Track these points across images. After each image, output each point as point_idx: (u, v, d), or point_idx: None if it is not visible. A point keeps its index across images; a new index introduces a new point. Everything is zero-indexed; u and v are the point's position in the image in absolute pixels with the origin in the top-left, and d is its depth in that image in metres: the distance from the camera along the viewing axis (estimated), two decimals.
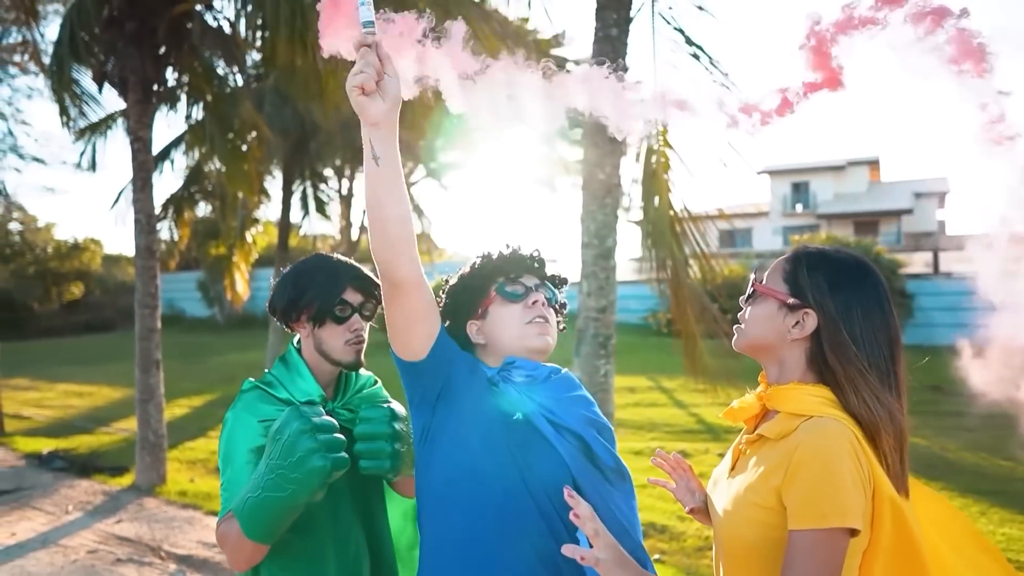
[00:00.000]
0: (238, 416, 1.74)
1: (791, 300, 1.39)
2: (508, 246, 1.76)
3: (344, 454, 1.57)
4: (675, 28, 4.77)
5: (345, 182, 21.33)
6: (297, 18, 5.06)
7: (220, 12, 7.27)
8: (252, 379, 1.85)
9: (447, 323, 1.70)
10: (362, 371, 1.95)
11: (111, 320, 26.08)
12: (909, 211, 32.74)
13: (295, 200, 13.99)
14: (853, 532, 1.22)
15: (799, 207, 36.75)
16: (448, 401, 1.57)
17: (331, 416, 1.80)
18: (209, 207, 12.68)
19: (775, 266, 1.46)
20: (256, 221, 13.63)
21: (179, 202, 11.41)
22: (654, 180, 4.97)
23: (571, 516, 1.29)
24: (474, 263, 1.75)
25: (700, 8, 4.76)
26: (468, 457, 1.53)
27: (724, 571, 1.40)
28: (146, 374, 6.83)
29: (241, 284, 12.46)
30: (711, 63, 4.83)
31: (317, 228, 21.35)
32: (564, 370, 1.74)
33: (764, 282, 1.45)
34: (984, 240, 1.35)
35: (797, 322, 1.38)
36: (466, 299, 1.72)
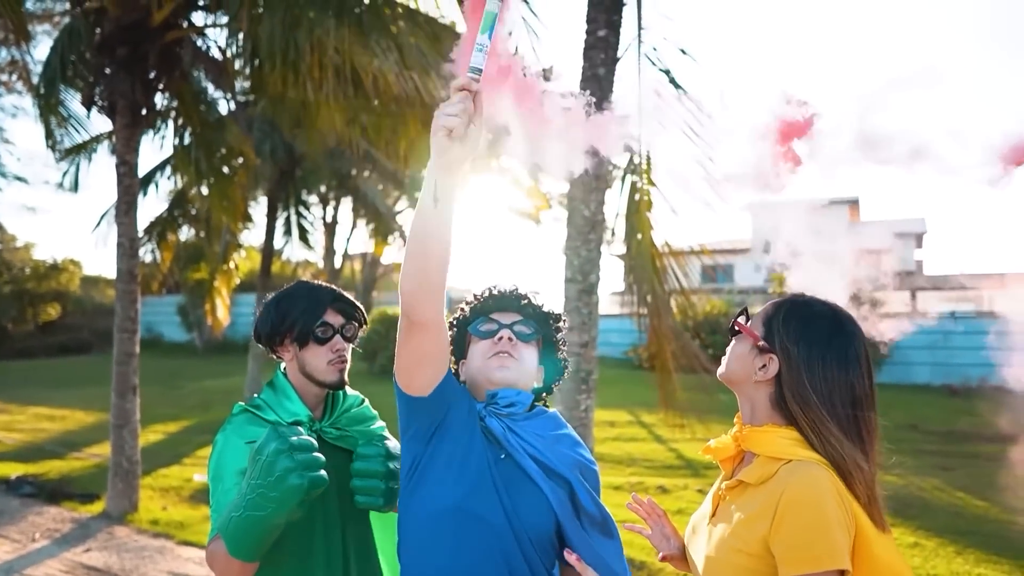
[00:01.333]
0: (227, 438, 1.78)
1: (761, 343, 1.44)
2: (490, 286, 1.81)
3: (323, 472, 1.59)
4: (660, 70, 4.89)
5: (329, 210, 21.43)
6: (290, 49, 5.13)
7: (212, 39, 7.34)
8: (242, 403, 1.88)
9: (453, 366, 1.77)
10: (348, 391, 1.99)
11: (87, 342, 25.70)
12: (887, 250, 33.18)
13: (279, 226, 13.97)
14: (843, 573, 1.25)
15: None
16: (442, 438, 1.59)
17: (319, 434, 1.84)
18: (192, 231, 12.64)
19: (762, 308, 1.51)
20: (239, 246, 13.59)
21: (162, 226, 11.37)
22: (637, 216, 5.05)
23: (565, 553, 1.31)
24: (463, 305, 1.82)
25: (683, 52, 4.89)
26: (456, 494, 1.55)
27: None
28: (122, 399, 6.74)
29: (222, 309, 12.37)
30: (696, 105, 4.93)
31: (300, 255, 21.34)
32: (552, 409, 1.76)
33: (748, 321, 1.50)
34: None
35: (763, 365, 1.43)
36: (456, 341, 1.79)
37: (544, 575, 1.54)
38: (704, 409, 5.06)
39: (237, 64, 6.67)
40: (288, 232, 14.53)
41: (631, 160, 5.92)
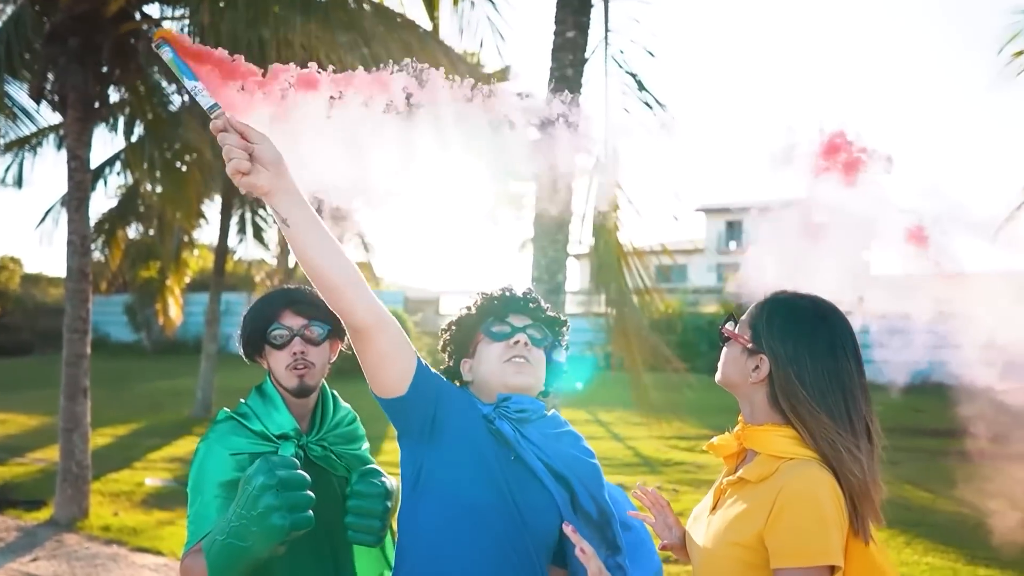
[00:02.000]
0: (210, 447, 1.73)
1: (750, 345, 1.47)
2: (503, 288, 1.80)
3: (310, 513, 1.55)
4: (627, 72, 4.96)
5: None
6: (255, 44, 5.03)
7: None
8: (227, 409, 1.83)
9: (450, 362, 1.76)
10: (341, 403, 1.95)
11: (28, 343, 24.72)
12: None
13: (233, 224, 13.67)
14: (834, 569, 1.29)
15: (732, 244, 37.95)
16: (441, 437, 1.58)
17: (304, 449, 1.78)
18: (142, 229, 12.29)
19: (748, 311, 1.54)
20: (192, 244, 13.26)
21: (112, 223, 11.02)
22: (604, 217, 5.10)
23: (577, 552, 1.32)
24: (469, 304, 1.80)
25: (650, 54, 4.97)
26: (469, 496, 1.55)
27: None
28: (72, 401, 6.52)
29: (174, 308, 12.06)
30: (660, 105, 5.02)
31: (254, 253, 20.93)
32: (553, 410, 1.78)
33: (736, 325, 1.53)
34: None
35: (756, 366, 1.46)
36: (460, 338, 1.77)
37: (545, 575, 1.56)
38: (672, 407, 5.14)
39: None
40: (242, 230, 14.24)
41: (598, 161, 5.98)
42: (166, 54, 1.34)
